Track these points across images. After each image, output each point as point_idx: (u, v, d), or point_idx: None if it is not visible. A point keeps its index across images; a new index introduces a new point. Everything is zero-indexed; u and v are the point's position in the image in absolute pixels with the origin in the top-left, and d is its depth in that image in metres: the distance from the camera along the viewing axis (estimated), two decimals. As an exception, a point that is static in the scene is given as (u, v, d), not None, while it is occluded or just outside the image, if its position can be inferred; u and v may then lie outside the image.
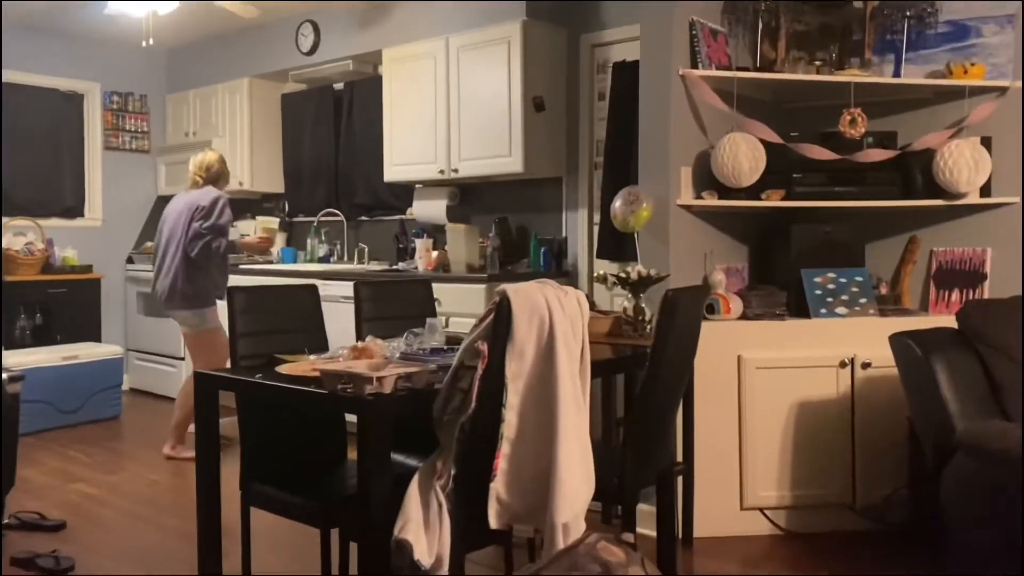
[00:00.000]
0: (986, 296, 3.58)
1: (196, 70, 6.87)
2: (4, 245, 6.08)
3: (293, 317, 2.93)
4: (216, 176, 4.81)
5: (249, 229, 6.72)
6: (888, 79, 3.62)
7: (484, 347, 2.01)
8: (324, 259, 6.18)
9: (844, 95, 3.52)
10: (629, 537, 1.37)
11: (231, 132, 6.50)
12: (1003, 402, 2.79)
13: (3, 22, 6.18)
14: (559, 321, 2.06)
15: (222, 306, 3.08)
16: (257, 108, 6.42)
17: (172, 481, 4.30)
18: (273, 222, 4.52)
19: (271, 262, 6.16)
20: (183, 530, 3.52)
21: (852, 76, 3.54)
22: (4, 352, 5.18)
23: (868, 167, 3.56)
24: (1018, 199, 3.55)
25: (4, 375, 3.24)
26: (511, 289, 2.03)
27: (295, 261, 6.31)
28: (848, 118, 3.49)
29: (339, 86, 6.15)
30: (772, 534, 3.47)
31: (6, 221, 6.18)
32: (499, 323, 2.02)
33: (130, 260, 6.86)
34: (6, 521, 3.54)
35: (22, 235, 6.21)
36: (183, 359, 6.27)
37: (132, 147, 6.99)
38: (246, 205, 6.86)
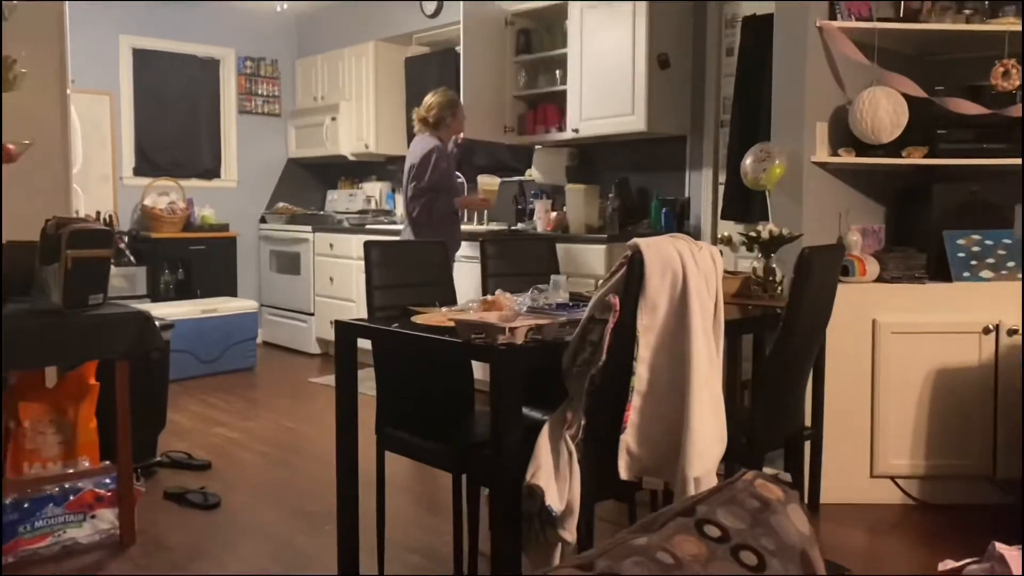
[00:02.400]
0: None
1: (324, 35, 7.07)
2: (149, 204, 6.47)
3: (424, 272, 3.01)
4: (438, 121, 4.45)
5: (375, 191, 6.91)
6: (1047, 27, 3.37)
7: (615, 300, 2.02)
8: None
9: (997, 46, 3.30)
10: (786, 477, 1.35)
11: (357, 96, 6.67)
12: None
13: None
14: (692, 275, 2.04)
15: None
16: (382, 72, 6.56)
17: (305, 428, 4.52)
18: (494, 181, 4.41)
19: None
20: (317, 473, 3.71)
21: (1008, 25, 3.31)
22: (153, 304, 5.54)
23: (1021, 122, 3.34)
24: None
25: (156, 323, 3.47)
26: (644, 242, 2.02)
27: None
28: (1001, 70, 3.27)
29: (460, 48, 6.20)
30: (903, 503, 3.36)
31: (151, 182, 6.58)
32: (631, 276, 2.02)
33: (263, 220, 7.18)
34: (158, 459, 3.82)
35: (165, 195, 6.59)
36: (313, 314, 6.56)
37: (264, 111, 7.28)
38: (371, 167, 7.05)
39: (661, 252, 2.04)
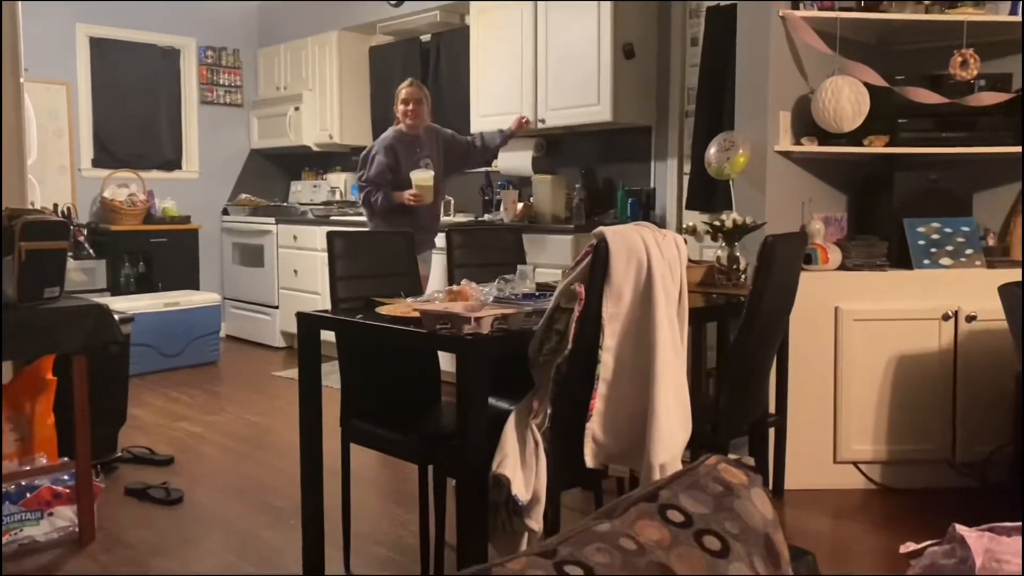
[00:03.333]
0: (1105, 248, 3.39)
1: (286, 24, 6.98)
2: (108, 196, 6.35)
3: (388, 263, 2.98)
4: (397, 111, 4.47)
5: (339, 182, 6.85)
6: (1004, 17, 3.41)
7: (581, 288, 2.01)
8: (411, 211, 6.24)
9: (955, 35, 3.34)
10: (749, 461, 1.36)
11: (320, 85, 6.60)
12: (1124, 356, 2.66)
13: (105, -21, 6.38)
14: (657, 263, 2.04)
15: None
16: (345, 61, 6.49)
17: (269, 422, 4.47)
18: (427, 176, 4.38)
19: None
20: (281, 467, 3.67)
21: (965, 15, 3.36)
22: (114, 298, 5.44)
23: (979, 112, 3.39)
24: None
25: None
26: (609, 231, 2.02)
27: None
28: (959, 59, 3.32)
29: (426, 38, 6.16)
30: (866, 488, 3.41)
31: (110, 173, 6.45)
32: (597, 264, 2.01)
33: (225, 212, 7.08)
34: (119, 454, 3.75)
35: (125, 187, 6.48)
36: (277, 307, 6.48)
37: (226, 101, 7.17)
38: (336, 158, 6.98)
39: (626, 240, 2.03)
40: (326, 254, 2.81)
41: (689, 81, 4.71)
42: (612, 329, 2.03)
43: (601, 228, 2.04)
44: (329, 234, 2.81)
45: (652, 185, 4.90)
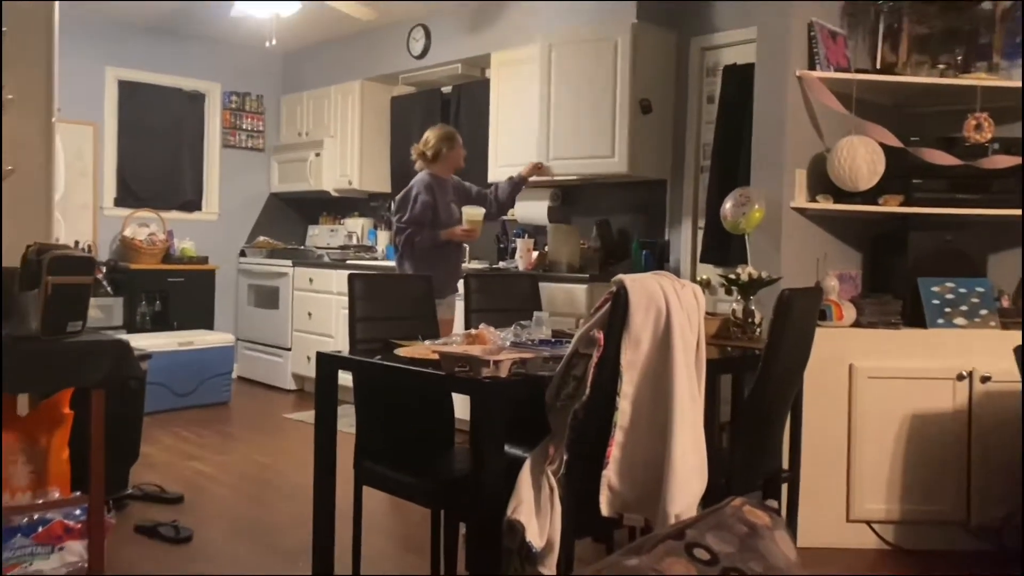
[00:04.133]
0: (1120, 312, 3.39)
1: (310, 72, 7.13)
2: (129, 235, 6.44)
3: (407, 305, 3.02)
4: (435, 155, 4.45)
5: (357, 227, 6.93)
6: (1019, 83, 3.47)
7: (600, 335, 2.03)
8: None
9: (969, 99, 3.40)
10: (773, 503, 1.36)
11: (342, 133, 6.72)
12: None
13: (135, 24, 6.57)
14: (676, 312, 2.06)
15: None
16: (367, 110, 6.61)
17: (280, 464, 4.46)
18: (478, 212, 4.38)
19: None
20: (290, 509, 3.66)
21: (979, 80, 3.42)
22: (129, 336, 5.48)
23: (993, 174, 3.44)
24: None
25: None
26: (628, 278, 2.05)
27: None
28: (973, 123, 3.37)
29: (447, 89, 6.28)
30: (879, 548, 3.37)
31: (131, 212, 6.55)
32: (616, 311, 2.04)
33: (242, 253, 7.15)
34: (130, 491, 3.75)
35: (145, 226, 6.57)
36: (290, 350, 6.51)
37: (248, 145, 7.30)
38: (354, 204, 7.07)
39: (645, 288, 2.06)
40: (342, 297, 2.86)
41: (704, 137, 4.78)
42: (630, 376, 2.05)
43: (621, 276, 2.07)
44: (350, 276, 2.85)
45: (667, 238, 4.95)
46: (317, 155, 6.80)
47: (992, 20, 3.59)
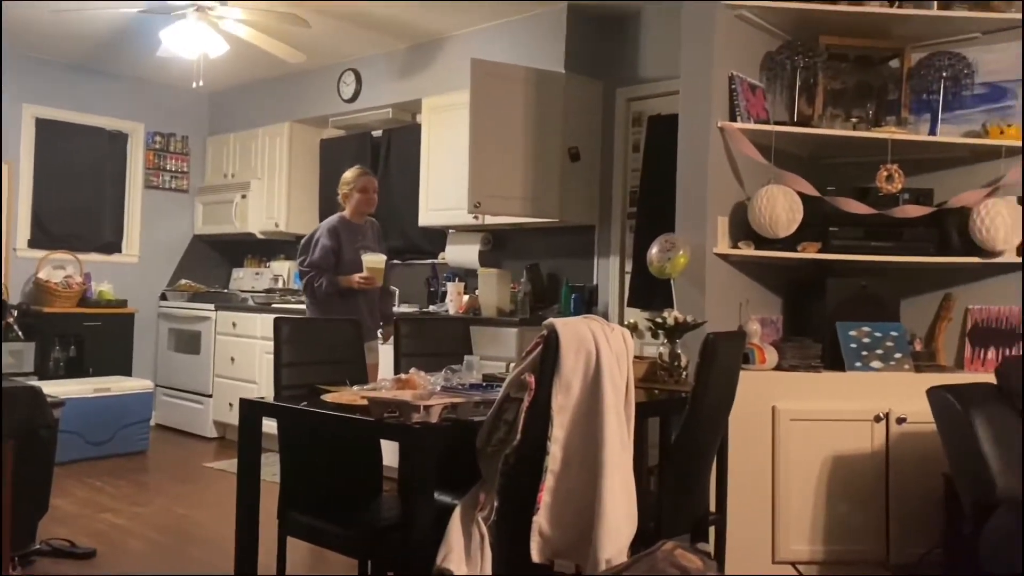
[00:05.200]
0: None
1: (238, 113, 7.06)
2: (43, 277, 6.20)
3: (335, 350, 2.98)
4: (344, 197, 4.49)
5: (283, 270, 6.82)
6: (925, 137, 3.66)
7: (531, 379, 2.04)
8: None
9: (881, 152, 3.56)
10: (705, 547, 1.37)
11: (269, 175, 6.65)
12: (1044, 459, 2.77)
13: (56, 61, 6.41)
14: (605, 356, 2.08)
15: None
16: (296, 152, 6.57)
17: (199, 515, 4.30)
18: (379, 259, 4.37)
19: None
20: (211, 562, 3.52)
21: (889, 133, 3.59)
22: (42, 382, 5.25)
23: (904, 223, 3.59)
24: (1055, 259, 3.55)
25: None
26: (559, 322, 2.06)
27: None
28: (885, 174, 3.53)
29: (377, 133, 6.29)
30: (805, 589, 3.42)
31: (46, 254, 6.32)
32: (547, 355, 2.05)
33: (163, 296, 6.96)
34: (37, 547, 3.56)
35: (61, 268, 6.35)
36: (211, 396, 6.33)
37: (171, 186, 7.16)
38: (280, 246, 6.97)
39: (576, 332, 2.08)
40: (266, 342, 2.81)
41: (631, 184, 4.89)
42: (561, 420, 2.06)
43: (551, 320, 2.09)
44: (276, 319, 2.80)
45: (595, 282, 5.01)
46: (243, 197, 6.70)
47: (900, 77, 3.79)
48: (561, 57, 4.85)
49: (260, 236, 6.73)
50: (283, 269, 6.84)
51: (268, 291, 6.60)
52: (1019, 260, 3.57)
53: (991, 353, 3.64)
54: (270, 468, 2.61)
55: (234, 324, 6.20)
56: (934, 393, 3.01)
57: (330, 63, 6.23)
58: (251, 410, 2.52)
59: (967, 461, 2.86)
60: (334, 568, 3.45)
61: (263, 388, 5.57)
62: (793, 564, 3.44)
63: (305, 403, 2.42)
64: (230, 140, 7.04)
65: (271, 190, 6.61)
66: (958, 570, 3.12)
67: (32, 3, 5.12)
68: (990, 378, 3.08)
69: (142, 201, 6.98)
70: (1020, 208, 3.50)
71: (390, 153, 6.16)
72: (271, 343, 2.81)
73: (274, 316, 3.05)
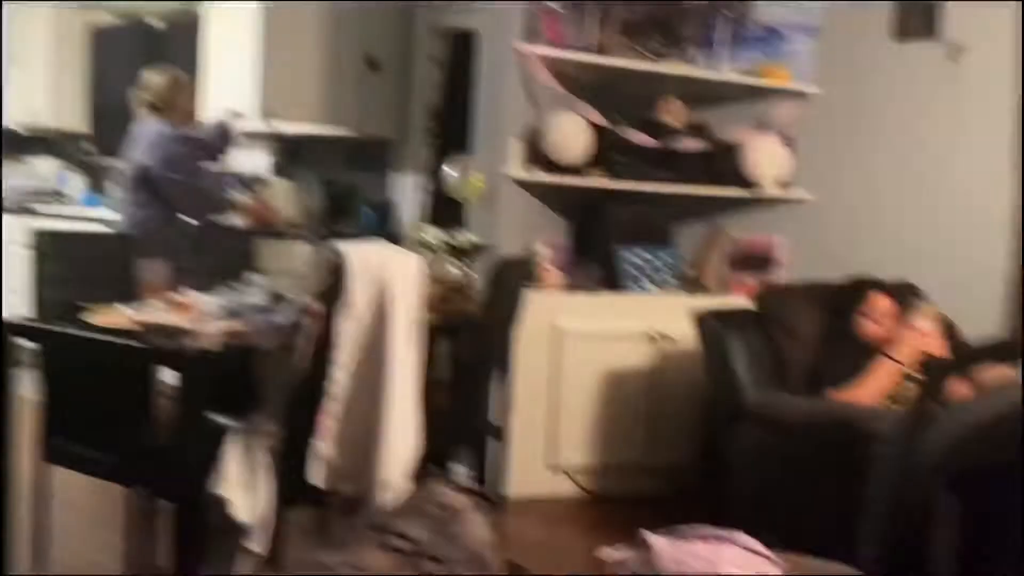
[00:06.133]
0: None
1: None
2: None
3: (101, 267, 2.76)
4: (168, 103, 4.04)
5: (47, 169, 6.20)
6: (705, 73, 3.85)
7: (317, 306, 2.00)
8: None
9: (666, 85, 3.73)
10: (470, 483, 1.44)
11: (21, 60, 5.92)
12: (788, 377, 3.10)
13: None
14: (397, 283, 2.08)
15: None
16: (61, 37, 5.88)
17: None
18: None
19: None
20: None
21: (672, 67, 3.75)
22: None
23: (683, 155, 3.80)
24: (811, 195, 3.90)
25: None
26: (349, 248, 2.03)
27: (97, 206, 5.88)
28: (667, 107, 3.70)
29: (159, 24, 5.75)
30: (579, 496, 3.67)
31: None
32: (334, 282, 2.01)
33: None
34: None
35: None
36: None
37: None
38: (41, 143, 6.30)
39: (365, 259, 2.06)
40: (24, 250, 2.54)
41: (431, 100, 4.81)
42: (346, 347, 2.04)
43: (340, 245, 2.05)
44: (37, 233, 2.54)
45: (392, 198, 4.95)
46: (-5, 84, 5.94)
47: (689, 13, 3.95)
48: (362, -41, 4.63)
49: (16, 128, 6.02)
50: (47, 168, 6.20)
51: (28, 193, 5.97)
52: (780, 195, 3.90)
53: (751, 279, 3.98)
54: (28, 384, 2.41)
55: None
56: (700, 316, 3.27)
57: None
58: (10, 332, 2.30)
59: (722, 377, 3.15)
60: (106, 497, 3.27)
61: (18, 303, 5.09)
62: (567, 472, 3.67)
63: (70, 326, 2.24)
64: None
65: (28, 78, 5.90)
66: (710, 475, 3.46)
67: None
68: (750, 303, 3.38)
69: None
70: (784, 147, 3.81)
71: (176, 46, 5.65)
72: (30, 253, 2.56)
73: (35, 227, 2.78)
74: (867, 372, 2.90)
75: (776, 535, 1.61)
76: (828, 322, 3.19)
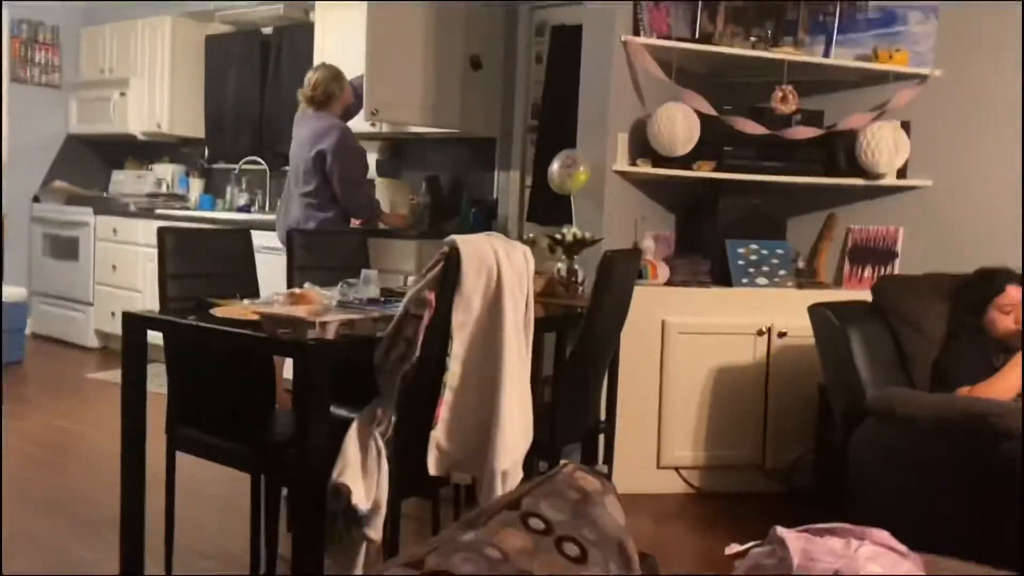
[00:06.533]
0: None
1: (114, 4, 6.54)
2: None
3: (225, 262, 2.87)
4: (328, 96, 4.13)
5: (167, 174, 6.50)
6: (819, 59, 3.72)
7: (431, 296, 2.02)
8: (244, 208, 6.03)
9: (777, 72, 3.61)
10: (603, 468, 1.42)
11: (150, 72, 6.23)
12: (911, 372, 2.96)
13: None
14: (506, 274, 2.08)
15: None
16: (179, 48, 6.17)
17: (81, 428, 4.17)
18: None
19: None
20: (96, 477, 3.43)
21: (786, 54, 3.64)
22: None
23: (795, 144, 3.68)
24: (930, 182, 3.72)
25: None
26: (460, 239, 2.04)
27: (213, 209, 6.14)
28: (780, 95, 3.59)
29: (268, 30, 5.97)
30: (686, 492, 3.61)
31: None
32: (448, 272, 2.03)
33: (36, 199, 6.54)
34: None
35: (-83, 166, 5.84)
36: (92, 304, 6.06)
37: (42, 81, 6.63)
38: (163, 149, 6.62)
39: (477, 250, 2.06)
40: (150, 249, 2.67)
41: (534, 96, 4.82)
42: (461, 337, 2.05)
43: (453, 236, 2.06)
44: (160, 230, 2.66)
45: (495, 196, 4.98)
46: (122, 94, 6.28)
47: (798, -2, 3.83)
48: (463, -40, 4.68)
49: (141, 137, 6.36)
50: (167, 173, 6.51)
51: (151, 196, 6.29)
52: (899, 183, 3.73)
53: (868, 271, 3.83)
54: (158, 379, 2.52)
55: (115, 230, 5.91)
56: (815, 310, 3.16)
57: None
58: (135, 325, 2.42)
59: (841, 373, 3.03)
60: (227, 483, 3.41)
61: (147, 298, 5.35)
62: (676, 469, 3.61)
63: (193, 317, 2.33)
64: (106, 32, 6.54)
65: (152, 88, 6.21)
66: (828, 473, 3.34)
67: None
68: (866, 295, 3.25)
69: (8, 96, 6.44)
70: (903, 132, 3.64)
71: (282, 52, 5.86)
72: (155, 251, 2.68)
73: (158, 224, 2.91)
74: (1003, 368, 2.74)
75: (900, 536, 1.54)
76: (952, 314, 3.03)
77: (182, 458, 2.52)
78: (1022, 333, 2.82)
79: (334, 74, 4.22)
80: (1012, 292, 2.88)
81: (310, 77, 4.22)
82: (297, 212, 4.09)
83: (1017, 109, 3.57)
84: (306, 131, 4.11)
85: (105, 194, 6.69)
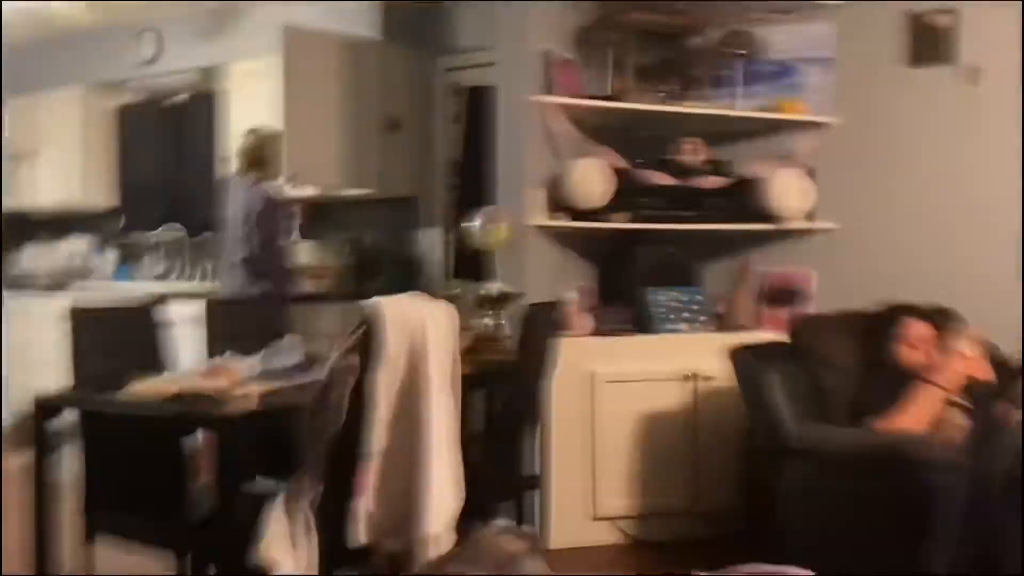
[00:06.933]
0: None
1: (20, 76, 6.40)
2: None
3: (135, 336, 2.80)
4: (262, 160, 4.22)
5: (80, 246, 6.33)
6: (724, 111, 3.88)
7: (354, 360, 2.01)
8: (162, 277, 5.90)
9: (685, 125, 3.75)
10: (532, 529, 1.42)
11: (59, 143, 6.09)
12: (830, 408, 3.05)
13: None
14: (431, 334, 2.08)
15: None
16: (91, 119, 6.05)
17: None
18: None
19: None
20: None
21: (692, 107, 3.78)
22: None
23: (706, 193, 3.81)
24: (838, 225, 3.88)
25: None
26: (383, 301, 2.04)
27: (130, 279, 5.99)
28: (689, 146, 3.72)
29: (182, 98, 5.91)
30: (623, 543, 3.60)
31: None
32: (370, 336, 2.02)
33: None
34: None
35: None
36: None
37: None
38: (75, 221, 6.44)
39: (400, 311, 2.07)
40: (64, 325, 2.59)
41: (452, 155, 4.88)
42: (386, 401, 2.04)
43: (375, 299, 2.06)
44: (73, 309, 2.59)
45: (418, 254, 4.99)
46: (31, 168, 6.11)
47: (702, 55, 3.99)
48: (378, 24, 4.75)
49: (52, 210, 6.17)
50: (80, 245, 6.32)
51: (62, 271, 6.09)
52: (806, 226, 3.88)
53: (783, 312, 3.94)
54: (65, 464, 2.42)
55: (25, 307, 5.69)
56: (734, 352, 3.23)
57: (126, 22, 5.76)
58: (47, 406, 2.33)
59: (763, 413, 3.09)
60: (149, 566, 3.27)
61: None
62: (612, 519, 3.61)
63: (109, 394, 2.26)
64: (14, 106, 6.36)
65: (62, 161, 6.06)
66: (758, 514, 3.39)
67: None
68: (784, 336, 3.34)
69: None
70: (808, 178, 3.80)
71: (197, 119, 5.80)
72: (68, 327, 2.60)
73: (70, 299, 2.83)
74: (908, 399, 2.84)
75: (830, 570, 1.57)
76: (864, 351, 3.15)
77: (102, 550, 2.41)
78: (922, 363, 2.92)
79: (265, 138, 4.20)
80: (910, 325, 3.00)
81: (244, 140, 4.19)
82: (236, 279, 4.04)
83: (906, 158, 3.78)
84: (239, 197, 4.10)
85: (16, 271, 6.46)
